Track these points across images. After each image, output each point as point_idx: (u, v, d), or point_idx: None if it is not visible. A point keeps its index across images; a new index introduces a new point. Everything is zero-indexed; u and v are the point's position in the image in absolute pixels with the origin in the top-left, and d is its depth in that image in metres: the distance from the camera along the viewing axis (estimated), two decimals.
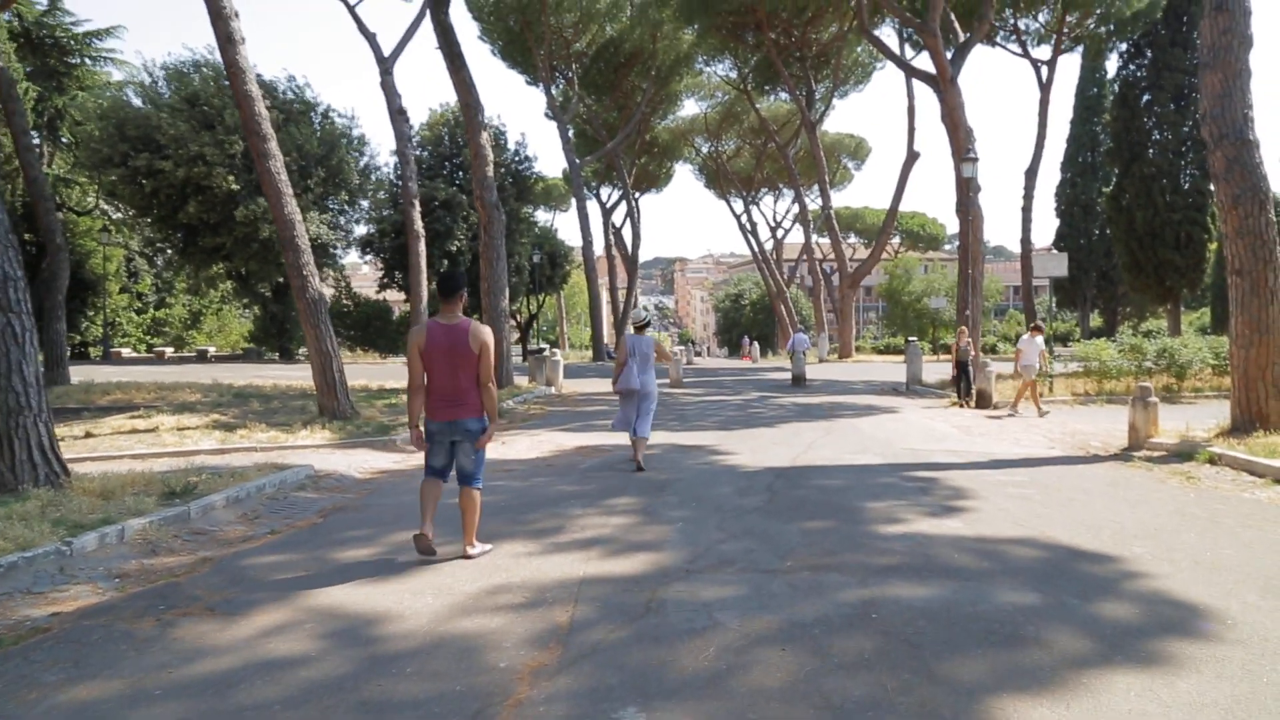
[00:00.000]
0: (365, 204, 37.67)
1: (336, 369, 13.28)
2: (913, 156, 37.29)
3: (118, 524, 6.17)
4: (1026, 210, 33.54)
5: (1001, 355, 39.41)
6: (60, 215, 27.79)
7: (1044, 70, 32.82)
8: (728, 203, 56.72)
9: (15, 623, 4.46)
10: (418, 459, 10.08)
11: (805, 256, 49.26)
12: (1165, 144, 33.61)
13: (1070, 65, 56.92)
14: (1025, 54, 33.17)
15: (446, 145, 40.05)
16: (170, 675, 3.71)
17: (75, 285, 32.52)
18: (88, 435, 11.50)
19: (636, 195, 52.35)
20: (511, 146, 41.10)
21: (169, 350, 42.37)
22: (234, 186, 29.85)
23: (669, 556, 5.54)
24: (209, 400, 15.86)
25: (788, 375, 24.63)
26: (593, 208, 48.66)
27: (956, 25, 24.36)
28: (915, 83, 35.88)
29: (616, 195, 52.45)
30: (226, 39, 12.43)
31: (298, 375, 22.47)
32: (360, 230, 38.83)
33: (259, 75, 33.44)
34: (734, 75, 43.86)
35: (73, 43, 35.66)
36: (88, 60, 36.44)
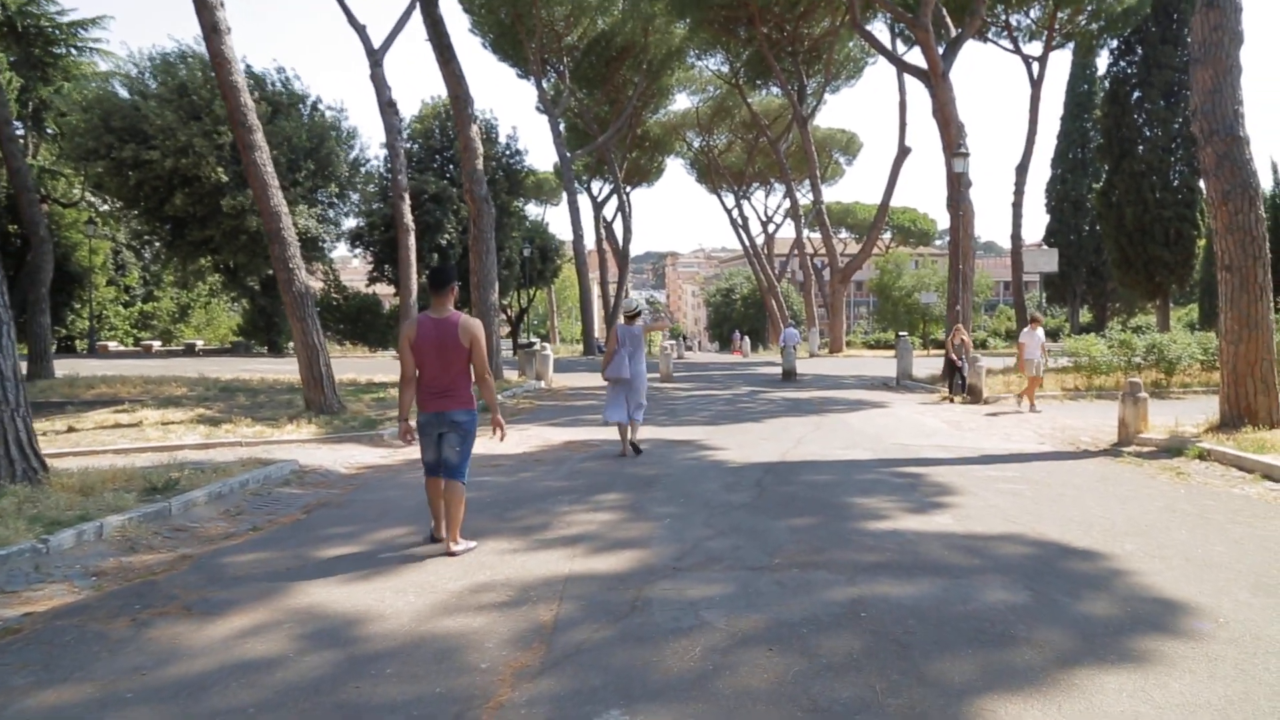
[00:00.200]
0: (355, 197, 37.47)
1: (323, 363, 13.16)
2: (904, 152, 37.28)
3: (96, 521, 6.06)
4: (1017, 206, 33.52)
5: (992, 351, 39.50)
6: (45, 207, 27.52)
7: (1035, 66, 32.77)
8: (719, 197, 56.59)
9: None
10: (404, 454, 10.02)
11: (796, 251, 49.24)
12: (1155, 141, 33.63)
13: (1061, 62, 57.15)
14: (1017, 50, 33.11)
15: (437, 138, 39.85)
16: (143, 678, 3.62)
17: (61, 278, 32.23)
18: (70, 430, 11.37)
19: (628, 189, 52.19)
20: (502, 140, 40.92)
21: (156, 344, 42.08)
22: (223, 178, 29.62)
23: (655, 553, 5.47)
24: (195, 394, 15.72)
25: (778, 370, 24.58)
26: (584, 202, 48.61)
27: (948, 20, 24.28)
28: (907, 78, 35.89)
29: (608, 189, 52.25)
30: (212, 28, 12.26)
31: (286, 369, 22.32)
32: (350, 223, 38.67)
33: (248, 67, 33.28)
34: (726, 70, 43.75)
35: (58, 32, 35.25)
36: (73, 50, 36.04)
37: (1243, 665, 3.59)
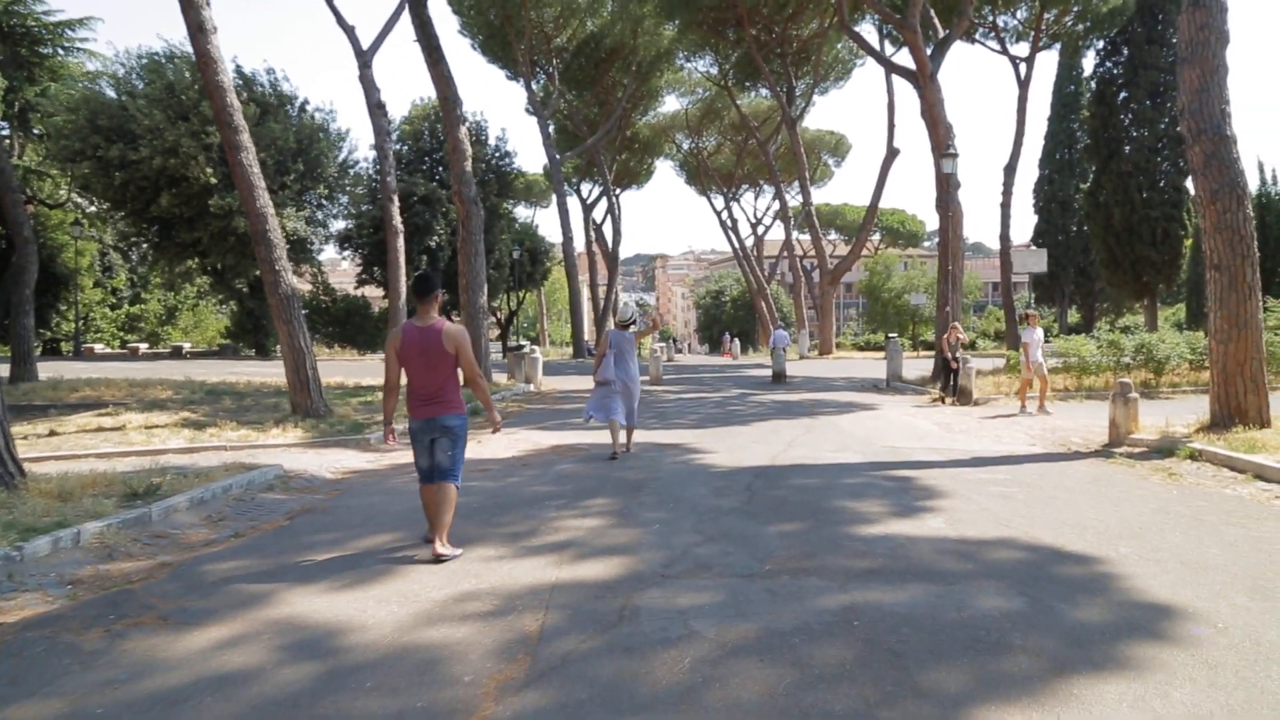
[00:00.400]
0: (344, 199, 37.23)
1: (310, 366, 13.04)
2: (892, 153, 37.33)
3: (73, 527, 5.93)
4: (1005, 207, 33.58)
5: (982, 352, 39.55)
6: (31, 208, 27.25)
7: (1022, 67, 32.87)
8: (709, 199, 56.59)
9: None
10: (391, 459, 9.93)
11: (786, 253, 49.30)
12: (1142, 141, 33.72)
13: (1048, 63, 57.42)
14: (1004, 51, 33.20)
15: (426, 140, 39.68)
16: (115, 692, 3.51)
17: (47, 280, 31.95)
18: (51, 434, 11.20)
19: (617, 191, 52.09)
20: (492, 141, 40.78)
21: (143, 346, 41.76)
22: (212, 179, 29.39)
23: (644, 560, 5.38)
24: (180, 398, 15.56)
25: (768, 372, 24.54)
26: (573, 204, 48.40)
27: (936, 22, 24.27)
28: (895, 79, 35.94)
29: (597, 191, 52.14)
30: (198, 28, 12.13)
31: (273, 372, 22.13)
32: (338, 225, 38.46)
33: (237, 67, 33.11)
34: (715, 71, 43.74)
35: (45, 32, 34.97)
36: (60, 50, 35.74)
37: (1244, 673, 3.52)
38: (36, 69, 34.31)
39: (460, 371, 5.66)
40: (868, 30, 33.35)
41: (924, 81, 21.42)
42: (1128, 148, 33.86)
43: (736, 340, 48.74)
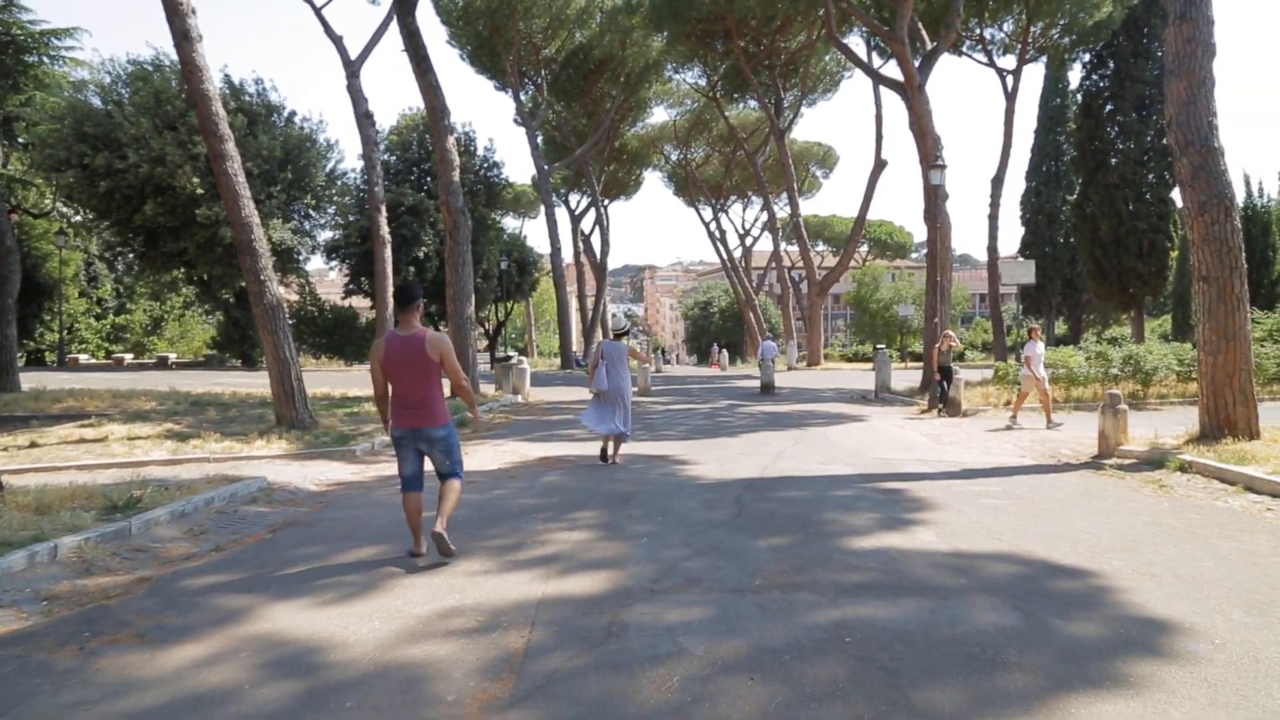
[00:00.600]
0: (331, 209, 37.09)
1: (295, 377, 12.91)
2: (880, 164, 37.44)
3: (51, 541, 5.81)
4: (993, 218, 33.76)
5: (970, 363, 39.63)
6: (15, 217, 27.00)
7: (1009, 80, 33.11)
8: (697, 210, 56.62)
9: None
10: (376, 470, 9.81)
11: (774, 264, 49.30)
12: (1128, 153, 33.93)
13: (1035, 75, 57.65)
14: (991, 63, 33.44)
15: (414, 150, 39.59)
16: (87, 714, 3.40)
17: (31, 289, 31.69)
18: (32, 445, 11.04)
19: (606, 202, 52.09)
20: (480, 152, 40.75)
21: (129, 357, 41.44)
22: (198, 189, 29.21)
23: (632, 575, 5.29)
24: (164, 409, 15.38)
25: (756, 383, 24.49)
26: (562, 215, 48.41)
27: (924, 34, 24.38)
28: (883, 91, 36.20)
29: (586, 202, 52.12)
30: (183, 36, 12.03)
31: (259, 383, 21.93)
32: (326, 235, 38.28)
33: (226, 76, 32.96)
34: (703, 83, 43.83)
35: (30, 41, 34.74)
36: (45, 59, 35.50)
37: (1244, 691, 3.45)
38: (21, 78, 34.05)
39: (446, 379, 5.73)
40: (856, 42, 33.50)
41: (912, 93, 21.50)
42: (1114, 160, 34.07)
43: (725, 351, 48.67)
